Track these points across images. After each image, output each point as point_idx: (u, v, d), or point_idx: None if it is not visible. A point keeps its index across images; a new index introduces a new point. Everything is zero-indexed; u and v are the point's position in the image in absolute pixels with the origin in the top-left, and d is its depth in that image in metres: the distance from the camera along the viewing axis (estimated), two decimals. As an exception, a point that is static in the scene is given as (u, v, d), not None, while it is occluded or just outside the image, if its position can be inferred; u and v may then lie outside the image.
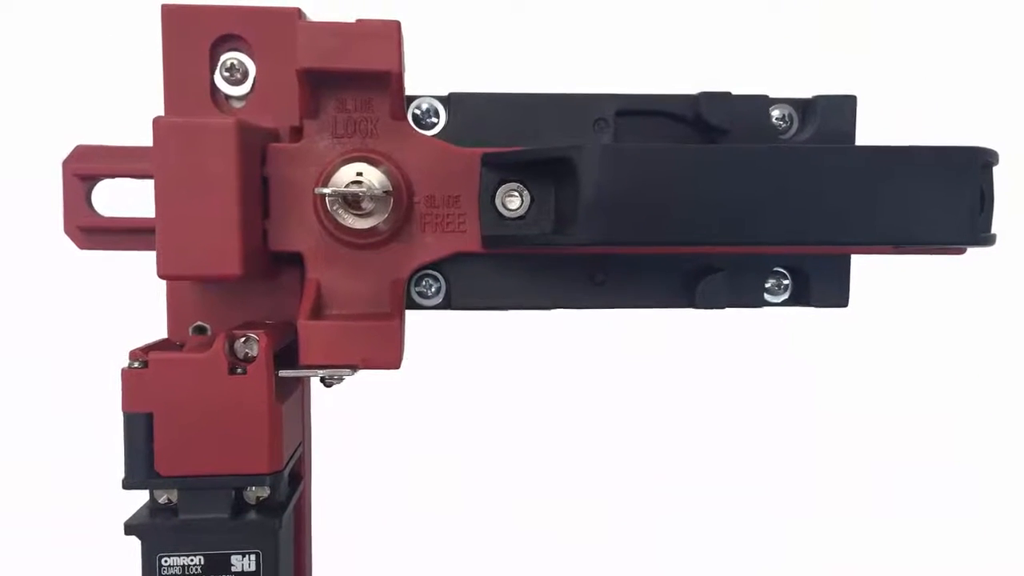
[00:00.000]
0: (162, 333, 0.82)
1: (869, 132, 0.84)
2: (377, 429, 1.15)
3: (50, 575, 1.12)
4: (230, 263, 0.72)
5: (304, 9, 0.79)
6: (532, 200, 0.80)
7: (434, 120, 0.82)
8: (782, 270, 0.86)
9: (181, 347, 0.77)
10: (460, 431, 1.18)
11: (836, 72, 1.02)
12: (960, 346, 1.24)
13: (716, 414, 1.21)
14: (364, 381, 0.81)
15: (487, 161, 0.80)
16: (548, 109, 0.82)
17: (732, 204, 0.72)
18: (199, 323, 0.82)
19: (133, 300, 0.88)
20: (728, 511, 1.24)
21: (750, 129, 0.82)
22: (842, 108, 0.83)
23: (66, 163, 0.81)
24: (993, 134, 0.83)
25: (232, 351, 0.73)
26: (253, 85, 0.80)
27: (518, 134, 0.82)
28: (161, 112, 0.79)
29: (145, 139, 0.72)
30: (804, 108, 0.84)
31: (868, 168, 0.73)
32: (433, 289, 0.83)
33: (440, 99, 0.82)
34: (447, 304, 0.83)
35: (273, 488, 0.76)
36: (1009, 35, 1.19)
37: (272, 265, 0.80)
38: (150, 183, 0.72)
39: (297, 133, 0.80)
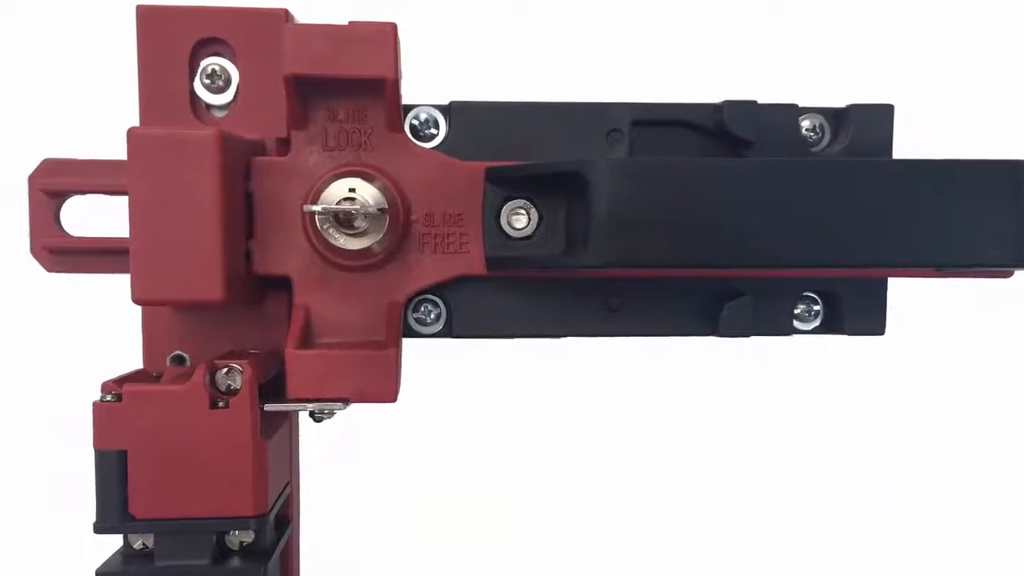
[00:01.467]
0: (137, 364, 0.81)
1: (908, 144, 0.83)
2: (371, 469, 1.15)
3: (15, 628, 1.11)
4: (211, 287, 0.71)
5: (292, 10, 0.79)
6: (540, 218, 0.79)
7: (433, 131, 0.82)
8: (813, 295, 0.85)
9: (158, 379, 0.77)
10: (462, 471, 1.17)
11: (871, 79, 1.01)
12: (1006, 379, 1.23)
13: (741, 453, 1.20)
14: (357, 416, 0.80)
15: (491, 176, 0.79)
16: (557, 119, 0.82)
17: (759, 223, 0.72)
18: (177, 353, 0.81)
19: (105, 328, 0.88)
20: (758, 563, 1.23)
21: (778, 141, 0.82)
22: (879, 118, 0.83)
23: (32, 178, 0.81)
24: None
25: (213, 383, 0.73)
26: (236, 93, 0.80)
27: (525, 147, 0.81)
28: (136, 122, 0.78)
29: (119, 152, 0.71)
30: (837, 118, 0.84)
31: (908, 184, 0.72)
32: (432, 315, 0.83)
33: (440, 108, 0.82)
34: (448, 332, 0.83)
35: (258, 532, 0.75)
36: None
37: (257, 290, 0.80)
38: (124, 200, 0.71)
39: (284, 145, 0.79)
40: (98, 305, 0.87)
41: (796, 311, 0.85)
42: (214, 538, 0.75)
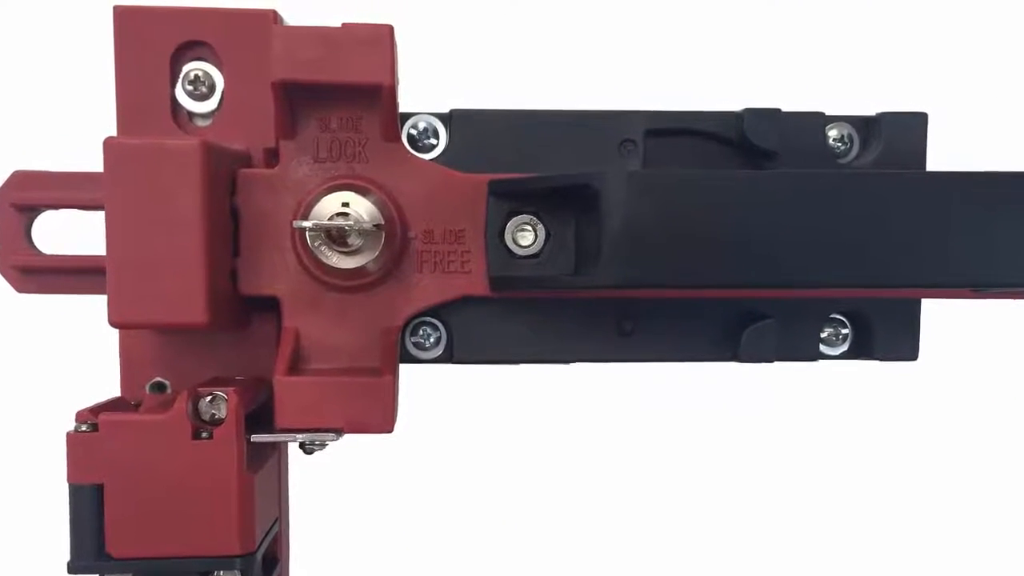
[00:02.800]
0: (114, 391, 0.81)
1: (943, 155, 0.83)
2: (365, 504, 1.14)
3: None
4: (194, 309, 0.71)
5: (280, 11, 0.79)
6: (548, 235, 0.79)
7: (433, 141, 0.82)
8: (841, 317, 0.85)
9: (137, 407, 0.77)
10: (464, 508, 1.17)
11: (903, 85, 1.01)
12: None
13: (764, 490, 1.20)
14: (351, 447, 0.80)
15: (495, 190, 0.79)
16: (566, 129, 0.82)
17: (783, 240, 0.71)
18: (158, 379, 0.81)
19: (80, 353, 0.88)
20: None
21: (803, 152, 0.82)
22: (911, 127, 0.83)
23: (2, 191, 0.81)
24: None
25: (196, 412, 0.73)
26: (221, 100, 0.80)
27: (531, 158, 0.82)
28: (113, 132, 0.78)
29: (95, 164, 0.71)
30: (866, 127, 0.84)
31: (943, 198, 0.72)
32: (432, 339, 0.83)
33: (440, 117, 0.82)
34: (448, 357, 0.83)
35: (244, 572, 0.75)
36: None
37: (243, 312, 0.80)
38: (100, 215, 0.71)
39: (272, 157, 0.79)
40: (72, 328, 0.87)
41: (823, 335, 0.85)
42: (197, 579, 0.74)
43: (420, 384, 0.86)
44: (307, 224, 0.75)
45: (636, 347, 0.84)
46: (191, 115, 0.80)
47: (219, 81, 0.79)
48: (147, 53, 0.78)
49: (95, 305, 0.76)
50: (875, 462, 1.20)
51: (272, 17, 0.79)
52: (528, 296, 0.82)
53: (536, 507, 1.17)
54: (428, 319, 0.82)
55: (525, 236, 0.79)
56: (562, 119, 0.82)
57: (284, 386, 0.74)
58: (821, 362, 0.85)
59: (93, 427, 0.72)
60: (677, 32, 1.11)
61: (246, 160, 0.79)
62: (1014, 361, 1.17)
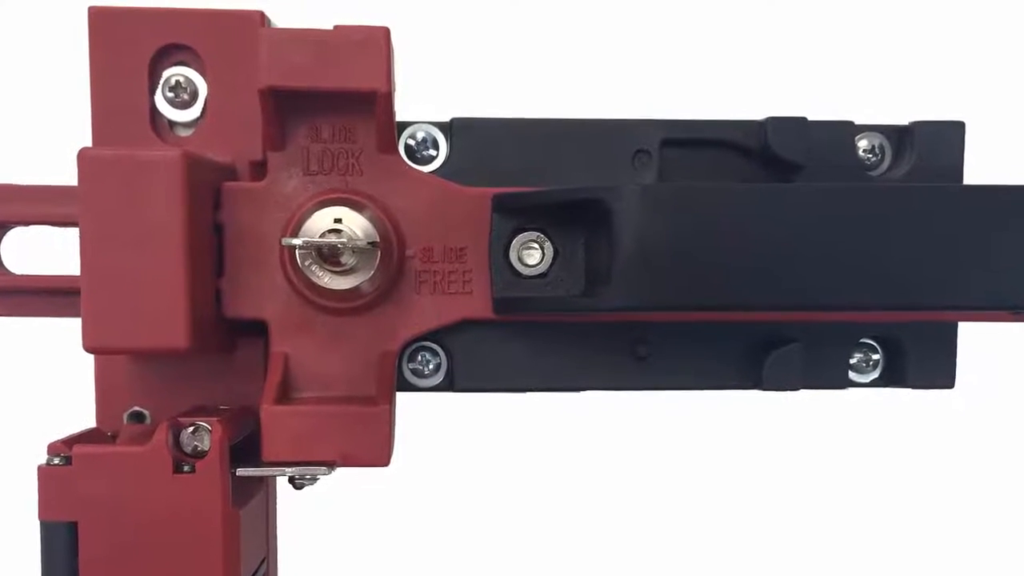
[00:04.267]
0: (90, 422, 0.81)
1: (981, 167, 0.83)
2: (359, 542, 1.14)
3: None
4: (175, 333, 0.71)
5: (268, 13, 0.79)
6: (556, 254, 0.79)
7: (432, 152, 0.82)
8: (871, 342, 0.85)
9: (114, 439, 0.77)
10: (464, 548, 1.17)
11: (938, 92, 1.01)
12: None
13: (790, 527, 1.20)
14: (344, 482, 0.80)
15: (499, 205, 0.79)
16: (576, 139, 0.82)
17: (810, 259, 0.71)
18: (136, 409, 0.81)
19: (52, 380, 0.88)
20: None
21: (830, 164, 0.82)
22: (947, 137, 0.83)
23: (-31, 207, 0.81)
24: None
25: (177, 444, 0.73)
26: (204, 108, 0.80)
27: (538, 171, 0.81)
28: (88, 142, 0.78)
29: (69, 176, 0.71)
30: (899, 137, 0.84)
31: (981, 213, 0.72)
32: (431, 366, 0.82)
33: (440, 126, 0.82)
34: (449, 385, 0.83)
35: (228, 618, 0.75)
36: None
37: (228, 336, 0.80)
38: (74, 232, 0.71)
39: (259, 169, 0.79)
40: (44, 354, 0.87)
41: (852, 360, 0.85)
42: (178, 624, 0.74)
43: (418, 414, 0.85)
44: (297, 241, 0.74)
45: (651, 373, 0.83)
46: (172, 124, 0.80)
47: (202, 88, 0.79)
48: (124, 57, 0.78)
49: (69, 329, 0.76)
50: (908, 499, 1.20)
51: (259, 19, 0.78)
52: (535, 319, 0.81)
53: (544, 548, 1.17)
54: (427, 344, 0.82)
55: (531, 254, 0.79)
56: (571, 128, 0.82)
57: (272, 416, 0.74)
58: (850, 390, 0.85)
59: (66, 460, 0.71)
60: (695, 34, 1.11)
61: (231, 173, 0.79)
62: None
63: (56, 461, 0.71)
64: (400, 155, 0.80)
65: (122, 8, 0.78)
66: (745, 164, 0.83)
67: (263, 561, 0.84)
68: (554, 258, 0.79)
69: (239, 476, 0.74)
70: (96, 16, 0.78)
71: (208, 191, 0.75)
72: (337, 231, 0.75)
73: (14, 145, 0.92)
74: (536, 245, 0.79)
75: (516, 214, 0.79)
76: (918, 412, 0.97)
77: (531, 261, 0.79)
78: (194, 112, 0.79)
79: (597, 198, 0.73)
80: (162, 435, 0.72)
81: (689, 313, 0.78)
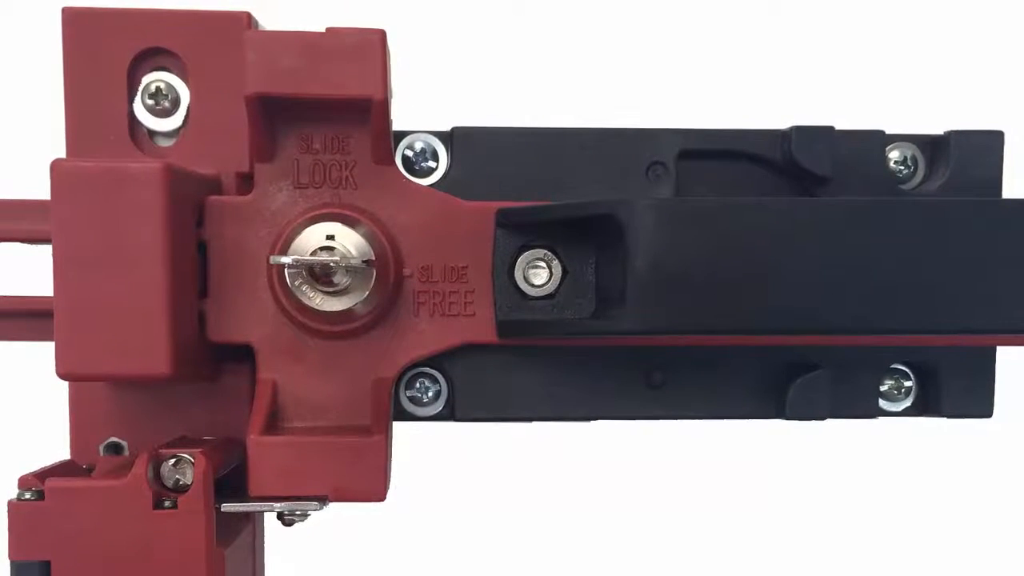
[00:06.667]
0: (64, 453, 0.80)
1: (1019, 180, 0.83)
2: (353, 582, 1.14)
3: None
4: (155, 359, 0.71)
5: (255, 15, 0.79)
6: (564, 273, 0.79)
7: (432, 164, 0.82)
8: (903, 368, 0.85)
9: (90, 472, 0.76)
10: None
11: (974, 100, 1.01)
12: None
13: (818, 566, 1.19)
14: (337, 518, 0.79)
15: (504, 220, 0.79)
16: (585, 150, 0.82)
17: (839, 279, 0.71)
18: (113, 440, 0.81)
19: (24, 409, 0.88)
20: None
21: (859, 176, 0.82)
22: (985, 148, 0.82)
23: (-65, 223, 0.81)
24: None
25: (158, 478, 0.72)
26: (186, 117, 0.79)
27: (545, 184, 0.81)
28: (62, 153, 0.78)
29: (41, 190, 0.71)
30: (933, 147, 0.83)
31: (1022, 229, 0.71)
32: (431, 393, 0.82)
33: (440, 136, 0.82)
34: (449, 413, 0.82)
35: (212, 663, 0.75)
36: None
37: (212, 362, 0.80)
38: (47, 249, 0.71)
39: (246, 182, 0.79)
40: (15, 381, 0.87)
41: (883, 388, 0.85)
42: (158, 671, 0.74)
43: (417, 445, 0.85)
44: (286, 260, 0.74)
45: (667, 402, 0.83)
46: (152, 134, 0.80)
47: (184, 95, 0.79)
48: (101, 62, 0.78)
49: (41, 354, 0.76)
50: (942, 531, 1.20)
51: (245, 21, 0.78)
52: (542, 344, 0.81)
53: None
54: (426, 370, 0.82)
55: (538, 274, 0.79)
56: (580, 138, 0.82)
57: (259, 447, 0.73)
58: (880, 419, 0.85)
59: (39, 495, 0.71)
60: (714, 39, 1.11)
61: (215, 186, 0.79)
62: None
63: (28, 496, 0.71)
64: (397, 167, 0.80)
65: (99, 9, 0.77)
66: (767, 177, 0.82)
67: (250, 603, 0.83)
68: (562, 278, 0.79)
69: (224, 512, 0.74)
70: (70, 17, 0.77)
71: (191, 206, 0.75)
72: (329, 249, 0.74)
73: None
74: (543, 264, 0.79)
75: (521, 230, 0.79)
76: (953, 443, 0.97)
77: (538, 281, 0.79)
78: (176, 121, 0.79)
79: (609, 213, 0.72)
80: (141, 468, 0.71)
81: (708, 337, 0.78)
